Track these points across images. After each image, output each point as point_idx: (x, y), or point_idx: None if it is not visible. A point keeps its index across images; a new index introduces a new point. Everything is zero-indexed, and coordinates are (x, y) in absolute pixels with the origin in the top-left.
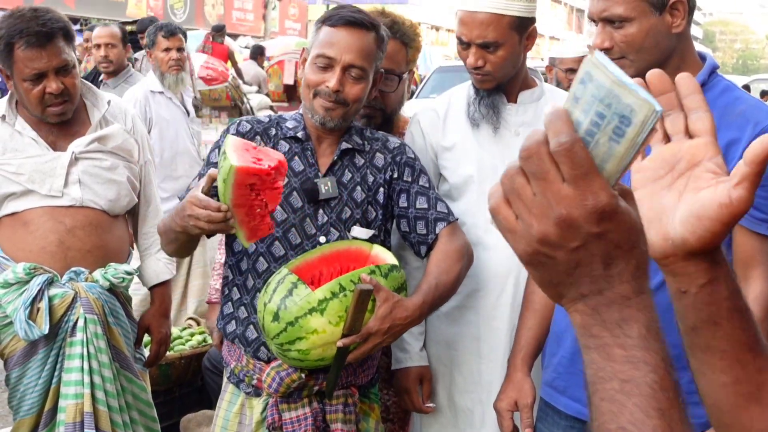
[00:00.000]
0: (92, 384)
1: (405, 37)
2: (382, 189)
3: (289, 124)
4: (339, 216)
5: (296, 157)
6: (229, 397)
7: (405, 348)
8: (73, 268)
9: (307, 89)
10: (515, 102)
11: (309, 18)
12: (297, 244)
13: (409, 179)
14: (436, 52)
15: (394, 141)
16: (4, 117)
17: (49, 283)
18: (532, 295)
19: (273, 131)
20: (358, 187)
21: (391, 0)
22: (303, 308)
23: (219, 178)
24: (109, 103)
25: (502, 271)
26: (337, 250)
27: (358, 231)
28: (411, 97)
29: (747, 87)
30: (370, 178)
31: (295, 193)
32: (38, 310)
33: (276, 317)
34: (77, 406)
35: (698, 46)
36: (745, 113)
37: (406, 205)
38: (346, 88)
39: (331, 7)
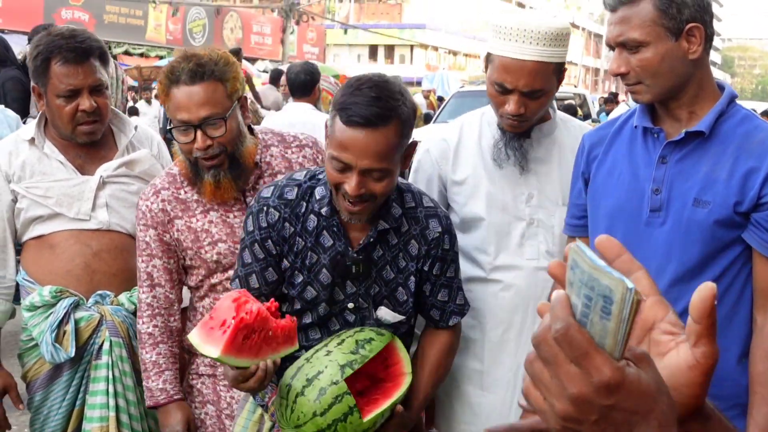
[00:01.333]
0: (117, 407)
1: (218, 74)
2: (413, 277)
3: (318, 193)
4: (368, 290)
5: (324, 231)
6: (249, 406)
7: None
8: (99, 292)
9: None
10: (529, 137)
11: (327, 42)
12: (324, 315)
13: (438, 272)
14: (454, 77)
15: (434, 229)
16: (33, 140)
17: (75, 306)
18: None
19: (302, 208)
20: (388, 267)
21: (408, 25)
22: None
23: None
24: (135, 128)
25: (509, 306)
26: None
27: (385, 312)
28: (428, 121)
29: (766, 113)
30: (402, 263)
31: (324, 270)
32: (64, 333)
33: (321, 431)
34: (102, 429)
35: (717, 72)
36: (765, 142)
37: (428, 293)
38: (368, 186)
39: (349, 32)
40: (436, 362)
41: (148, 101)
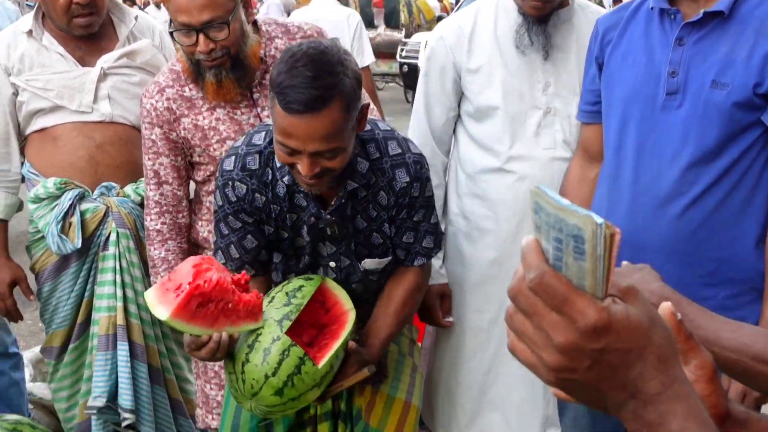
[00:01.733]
0: (125, 297)
1: None
2: (386, 225)
3: (278, 160)
4: (348, 247)
5: (296, 195)
6: None
7: None
8: (104, 183)
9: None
10: (546, 23)
11: None
12: (311, 264)
13: (405, 216)
14: None
15: (401, 179)
16: (30, 32)
17: (81, 197)
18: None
19: (269, 175)
20: (359, 217)
21: None
22: (309, 385)
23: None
24: (136, 18)
25: (524, 197)
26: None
27: (369, 263)
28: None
29: None
30: (373, 213)
31: (305, 226)
32: (70, 224)
33: (280, 392)
34: (110, 319)
35: None
36: None
37: (392, 234)
38: (321, 164)
39: None
40: (401, 301)
41: (158, 5)
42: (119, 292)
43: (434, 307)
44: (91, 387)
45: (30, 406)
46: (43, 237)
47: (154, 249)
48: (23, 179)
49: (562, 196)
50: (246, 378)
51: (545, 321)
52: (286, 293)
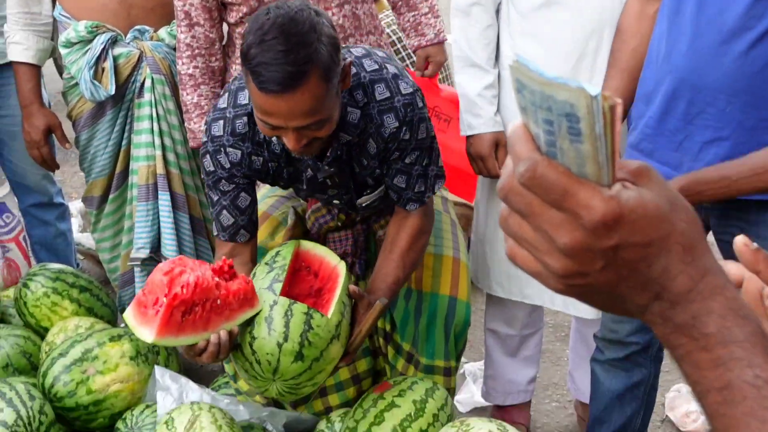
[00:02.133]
0: (163, 146)
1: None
2: (377, 169)
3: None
4: (348, 188)
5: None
6: None
7: (478, 113)
8: (137, 27)
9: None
10: None
11: None
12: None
13: (395, 158)
14: None
15: (389, 125)
16: None
17: (113, 42)
18: (618, 53)
19: (261, 136)
20: (353, 163)
21: None
22: (326, 339)
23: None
24: None
25: (581, 34)
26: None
27: (364, 199)
28: None
29: None
30: (364, 162)
31: (304, 176)
32: (103, 70)
33: (299, 357)
34: (149, 169)
35: None
36: None
37: (384, 173)
38: (308, 134)
39: None
40: (405, 246)
41: None
42: (157, 141)
43: (488, 157)
44: (133, 238)
45: (79, 256)
46: (77, 84)
47: (187, 94)
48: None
49: (620, 33)
50: (260, 357)
51: (545, 220)
52: (266, 263)
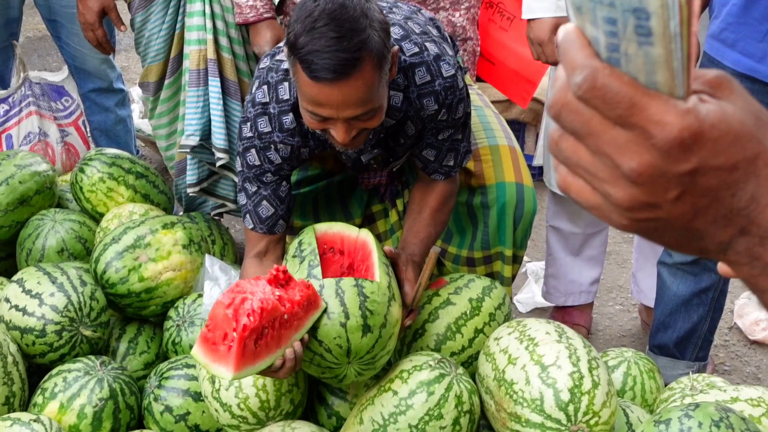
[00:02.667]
0: (215, 29)
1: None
2: (412, 146)
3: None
4: (386, 163)
5: None
6: None
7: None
8: None
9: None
10: None
11: None
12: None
13: (429, 134)
14: None
15: (429, 108)
16: None
17: None
18: None
19: (306, 126)
20: (389, 140)
21: None
22: (384, 303)
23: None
24: None
25: None
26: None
27: (393, 164)
28: None
29: None
30: (401, 140)
31: (349, 162)
32: None
33: (366, 329)
34: (200, 53)
35: None
36: None
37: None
38: (357, 126)
39: None
40: (435, 205)
41: None
42: (209, 24)
43: (548, 42)
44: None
45: (139, 143)
46: None
47: None
48: None
49: None
50: (328, 345)
51: (606, 141)
52: (293, 256)
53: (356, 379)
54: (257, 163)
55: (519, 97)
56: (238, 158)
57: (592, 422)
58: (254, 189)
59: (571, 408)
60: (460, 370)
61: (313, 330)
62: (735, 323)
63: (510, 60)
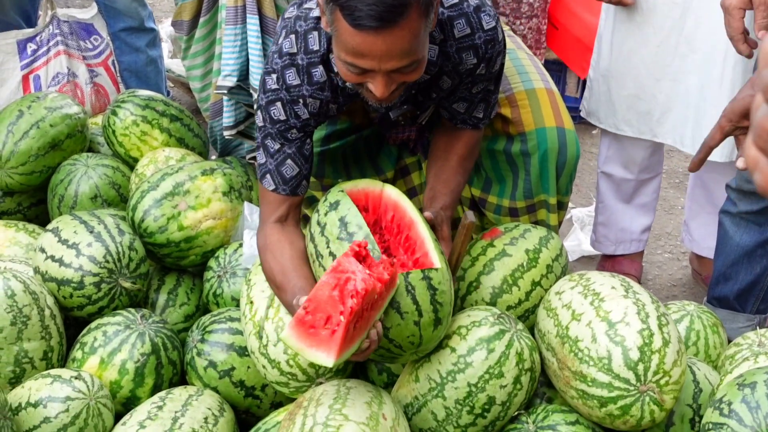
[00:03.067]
0: None
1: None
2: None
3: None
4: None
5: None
6: None
7: None
8: None
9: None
10: None
11: None
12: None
13: (463, 88)
14: None
15: (467, 62)
16: None
17: None
18: None
19: (335, 80)
20: (420, 95)
21: None
22: (448, 289)
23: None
24: None
25: None
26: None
27: (422, 116)
28: None
29: None
30: (433, 95)
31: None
32: None
33: (437, 322)
34: None
35: None
36: None
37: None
38: (397, 79)
39: None
40: (463, 151)
41: None
42: None
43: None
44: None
45: (169, 84)
46: None
47: None
48: None
49: None
50: (400, 342)
51: None
52: (339, 237)
53: (412, 359)
54: (282, 117)
55: (578, 66)
56: (259, 113)
57: (662, 382)
58: (277, 146)
59: (640, 367)
60: (520, 325)
61: (385, 329)
62: None
63: (575, 26)
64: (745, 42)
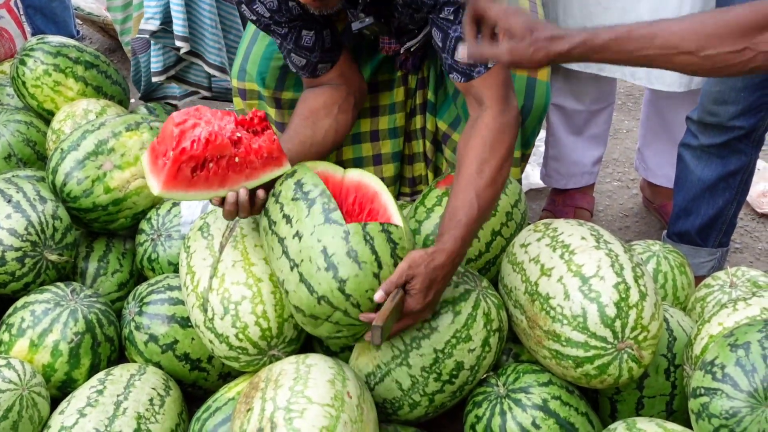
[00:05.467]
0: None
1: None
2: (414, 14)
3: None
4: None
5: None
6: None
7: None
8: None
9: None
10: None
11: None
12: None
13: (428, 8)
14: None
15: None
16: None
17: None
18: None
19: None
20: (383, 9)
21: None
22: (411, 249)
23: None
24: None
25: None
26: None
27: (411, 43)
28: None
29: None
30: (398, 6)
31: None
32: None
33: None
34: None
35: None
36: None
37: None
38: None
39: None
40: (479, 155)
41: None
42: None
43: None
44: (144, 1)
45: (78, 22)
46: None
47: None
48: None
49: None
50: (358, 299)
51: None
52: (294, 199)
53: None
54: (254, 18)
55: None
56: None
57: (640, 338)
58: (278, 41)
59: (618, 324)
60: (485, 282)
61: (341, 282)
62: None
63: None
64: None
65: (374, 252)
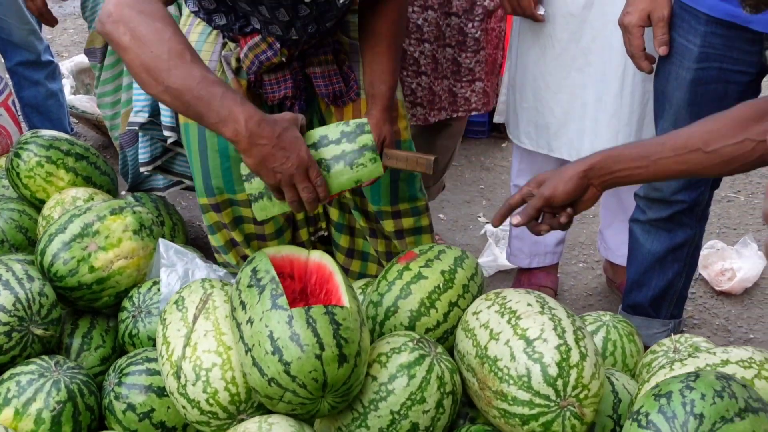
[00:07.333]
0: None
1: None
2: None
3: None
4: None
5: None
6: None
7: None
8: None
9: None
10: None
11: None
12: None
13: None
14: None
15: None
16: None
17: None
18: None
19: None
20: None
21: None
22: (356, 329)
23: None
24: None
25: None
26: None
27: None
28: None
29: None
30: None
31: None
32: None
33: (342, 359)
34: None
35: None
36: None
37: None
38: None
39: None
40: (392, 32)
41: None
42: None
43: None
44: (132, 97)
45: (73, 120)
46: None
47: None
48: None
49: None
50: (302, 380)
51: None
52: (249, 285)
53: (328, 414)
54: None
55: None
56: None
57: (581, 396)
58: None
59: (559, 383)
60: (440, 348)
61: (286, 365)
62: (700, 274)
63: None
64: (645, 59)
65: (316, 334)
